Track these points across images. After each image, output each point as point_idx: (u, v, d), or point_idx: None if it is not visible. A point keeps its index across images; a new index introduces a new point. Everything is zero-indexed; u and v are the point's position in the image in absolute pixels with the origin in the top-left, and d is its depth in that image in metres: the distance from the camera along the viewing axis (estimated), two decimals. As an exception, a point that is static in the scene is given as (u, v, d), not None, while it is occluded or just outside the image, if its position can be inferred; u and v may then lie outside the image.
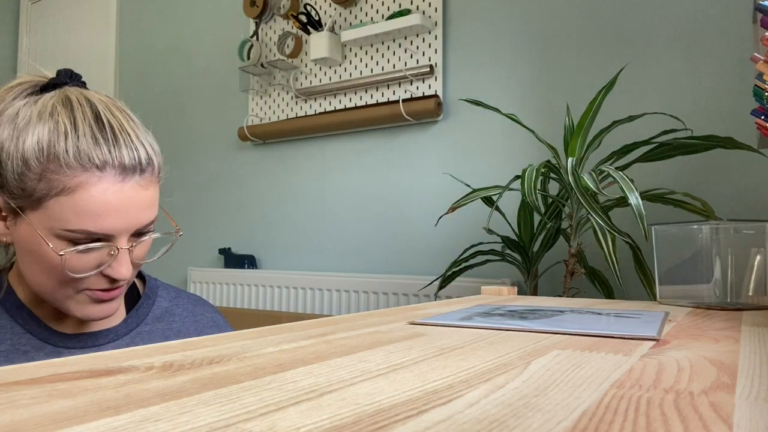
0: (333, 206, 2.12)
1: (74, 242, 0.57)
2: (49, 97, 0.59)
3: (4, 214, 0.60)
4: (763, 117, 0.69)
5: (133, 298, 0.73)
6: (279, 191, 2.27)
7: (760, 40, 0.65)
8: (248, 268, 2.25)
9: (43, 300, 0.64)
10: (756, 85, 0.66)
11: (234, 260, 2.28)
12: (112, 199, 0.56)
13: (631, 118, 1.28)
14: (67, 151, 0.55)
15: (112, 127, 0.58)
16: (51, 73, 0.64)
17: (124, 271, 0.59)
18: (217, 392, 0.25)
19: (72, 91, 0.61)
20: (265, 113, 2.30)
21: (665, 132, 1.28)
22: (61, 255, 0.56)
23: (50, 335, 0.64)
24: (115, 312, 0.63)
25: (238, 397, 0.24)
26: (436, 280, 1.49)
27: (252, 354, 0.34)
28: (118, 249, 0.58)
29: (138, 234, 0.61)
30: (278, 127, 2.19)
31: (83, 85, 0.65)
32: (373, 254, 2.01)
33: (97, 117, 0.58)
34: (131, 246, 0.60)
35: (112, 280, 0.60)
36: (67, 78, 0.63)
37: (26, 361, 0.61)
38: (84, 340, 0.65)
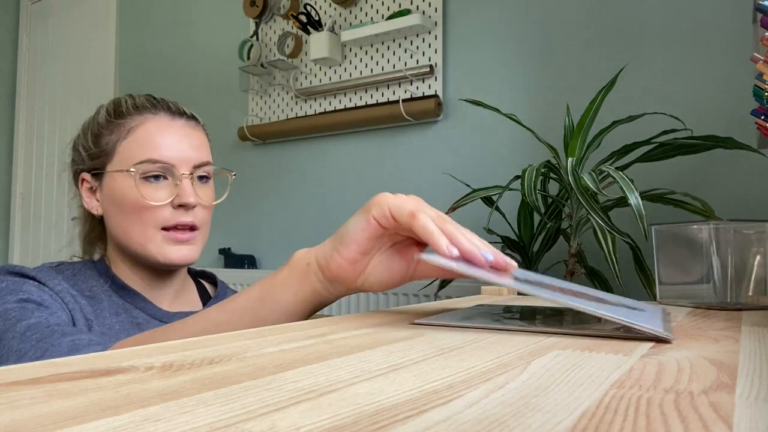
0: (333, 206, 2.12)
1: (144, 174, 0.69)
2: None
3: (93, 188, 0.74)
4: (763, 117, 0.69)
5: (204, 296, 0.84)
6: (279, 191, 2.27)
7: (760, 40, 0.65)
8: (248, 268, 2.25)
9: (137, 279, 0.74)
10: (756, 85, 0.66)
11: (234, 260, 2.28)
12: (167, 130, 0.71)
13: (631, 118, 1.28)
14: (127, 104, 0.73)
15: (162, 98, 0.76)
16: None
17: (190, 197, 0.70)
18: (217, 392, 0.25)
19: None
20: (265, 113, 2.30)
21: (665, 132, 1.28)
22: (131, 171, 0.69)
23: (156, 311, 0.74)
24: (193, 260, 0.73)
25: (238, 397, 0.24)
26: (436, 279, 1.49)
27: (252, 354, 0.34)
28: (181, 177, 0.70)
29: (197, 171, 0.72)
30: (278, 127, 2.19)
31: None
32: (373, 254, 2.00)
33: (149, 94, 0.75)
34: (191, 175, 0.71)
35: (183, 211, 0.70)
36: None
37: (141, 331, 0.71)
38: (182, 318, 0.75)
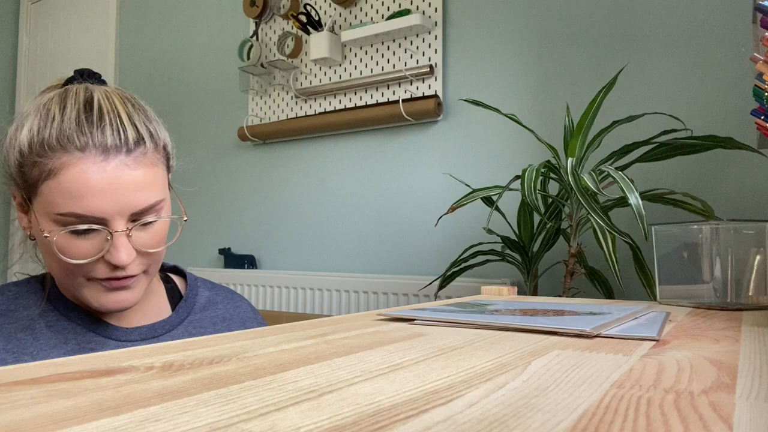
0: (333, 206, 2.12)
1: (69, 226, 0.57)
2: (53, 92, 0.61)
3: (24, 207, 0.62)
4: (763, 117, 0.69)
5: (174, 295, 0.75)
6: (279, 191, 2.27)
7: (760, 40, 0.65)
8: (248, 268, 2.25)
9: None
10: (756, 85, 0.66)
11: (234, 260, 2.28)
12: (95, 178, 0.56)
13: (631, 118, 1.28)
14: (51, 135, 0.56)
15: (100, 109, 0.58)
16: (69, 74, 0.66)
17: (123, 257, 0.57)
18: (217, 392, 0.25)
19: (75, 85, 0.62)
20: (265, 113, 2.30)
21: (665, 132, 1.28)
22: (45, 237, 0.57)
23: (113, 331, 0.65)
24: (134, 303, 0.62)
25: (238, 397, 0.24)
26: (436, 280, 1.49)
27: (252, 354, 0.34)
28: (111, 233, 0.57)
29: (138, 218, 0.59)
30: (278, 127, 2.19)
31: (99, 81, 0.66)
32: (373, 254, 2.01)
33: (88, 102, 0.59)
34: (128, 230, 0.58)
35: (115, 267, 0.59)
36: (80, 75, 0.65)
37: None
38: (143, 332, 0.67)
